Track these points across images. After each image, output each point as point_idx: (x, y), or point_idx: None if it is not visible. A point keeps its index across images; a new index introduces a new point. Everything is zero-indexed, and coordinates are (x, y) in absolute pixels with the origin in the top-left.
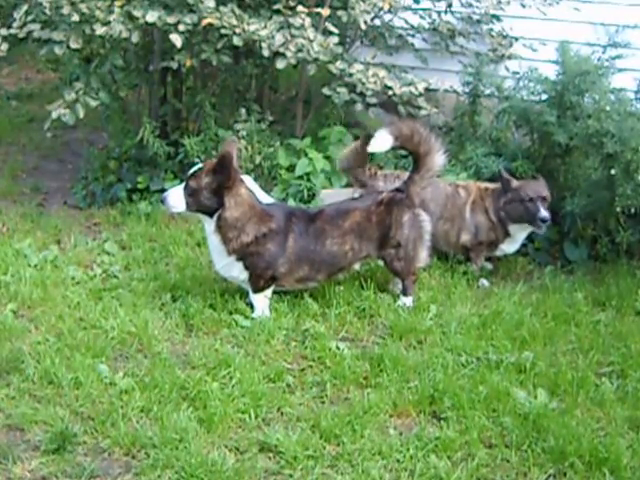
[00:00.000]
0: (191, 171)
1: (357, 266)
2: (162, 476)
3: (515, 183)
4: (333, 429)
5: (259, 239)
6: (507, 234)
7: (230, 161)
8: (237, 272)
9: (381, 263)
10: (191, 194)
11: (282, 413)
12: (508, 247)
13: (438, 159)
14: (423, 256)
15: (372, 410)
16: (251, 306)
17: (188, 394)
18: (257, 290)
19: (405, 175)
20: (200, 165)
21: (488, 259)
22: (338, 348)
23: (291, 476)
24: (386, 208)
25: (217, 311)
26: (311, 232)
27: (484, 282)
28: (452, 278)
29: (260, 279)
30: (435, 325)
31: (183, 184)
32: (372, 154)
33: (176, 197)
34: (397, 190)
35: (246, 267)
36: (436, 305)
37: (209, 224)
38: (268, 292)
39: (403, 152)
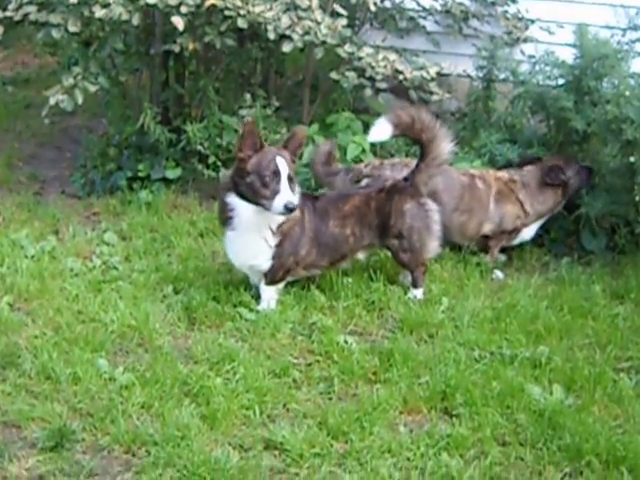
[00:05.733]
0: (281, 162)
1: (361, 256)
2: (163, 475)
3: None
4: (341, 426)
5: (298, 219)
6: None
7: (304, 135)
8: (263, 260)
9: (390, 254)
10: (293, 183)
11: (288, 409)
12: (528, 233)
13: (444, 146)
14: (432, 247)
15: (381, 406)
16: (256, 299)
17: (190, 390)
18: (273, 282)
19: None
20: (276, 155)
21: (502, 250)
22: (346, 342)
23: (297, 475)
24: (387, 195)
25: (221, 304)
26: (317, 212)
27: (498, 274)
28: (465, 270)
29: (281, 269)
30: (447, 318)
31: (286, 181)
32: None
33: (295, 196)
34: (404, 179)
35: (272, 256)
36: (448, 298)
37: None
38: (281, 285)
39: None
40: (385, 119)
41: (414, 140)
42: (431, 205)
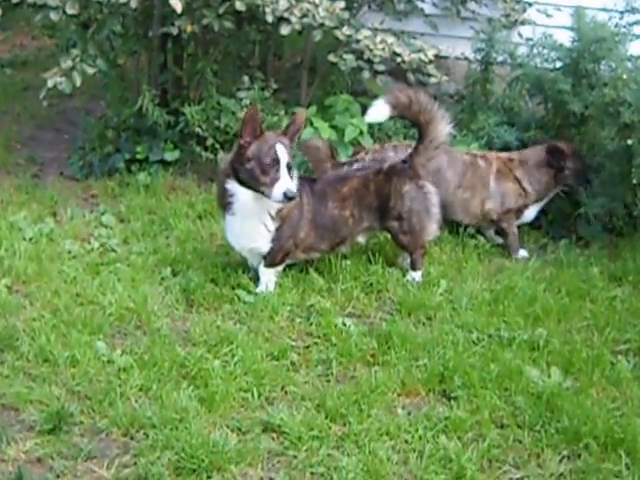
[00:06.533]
0: (280, 150)
1: (362, 239)
2: (161, 457)
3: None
4: (339, 409)
5: (296, 202)
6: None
7: (303, 120)
8: (263, 243)
9: (389, 236)
10: (292, 170)
11: (286, 392)
12: (531, 213)
13: (442, 128)
14: (432, 229)
15: (379, 389)
16: (254, 281)
17: (188, 372)
18: (272, 264)
19: None
20: (276, 142)
21: (497, 232)
22: (344, 325)
23: (295, 457)
24: (385, 177)
25: (219, 286)
26: (316, 194)
27: (523, 252)
28: (463, 253)
29: (280, 251)
30: (445, 301)
31: (285, 169)
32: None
33: (294, 184)
34: (402, 161)
35: (272, 239)
36: (446, 280)
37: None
38: (280, 267)
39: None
40: (383, 100)
41: (412, 122)
42: (430, 187)
